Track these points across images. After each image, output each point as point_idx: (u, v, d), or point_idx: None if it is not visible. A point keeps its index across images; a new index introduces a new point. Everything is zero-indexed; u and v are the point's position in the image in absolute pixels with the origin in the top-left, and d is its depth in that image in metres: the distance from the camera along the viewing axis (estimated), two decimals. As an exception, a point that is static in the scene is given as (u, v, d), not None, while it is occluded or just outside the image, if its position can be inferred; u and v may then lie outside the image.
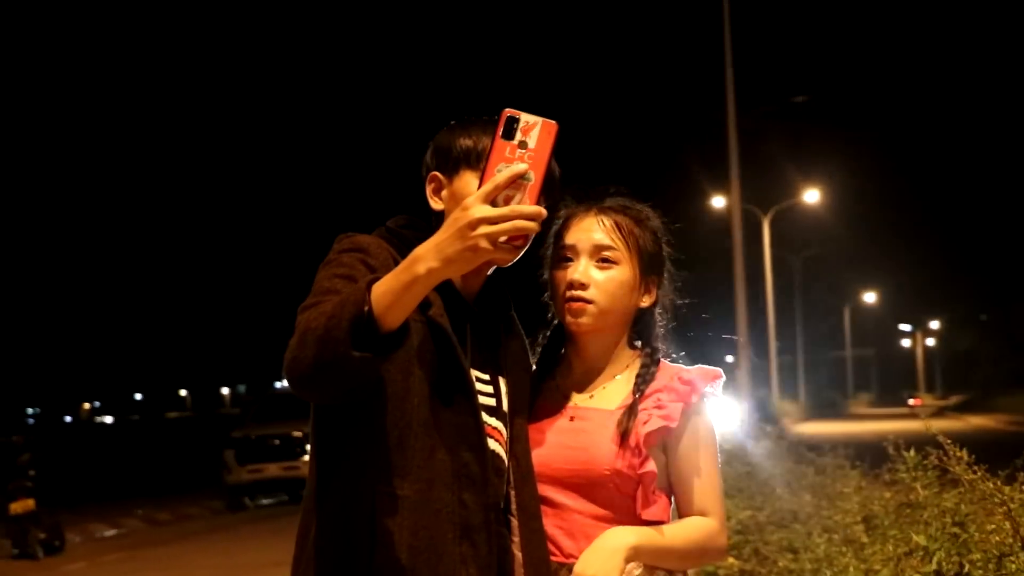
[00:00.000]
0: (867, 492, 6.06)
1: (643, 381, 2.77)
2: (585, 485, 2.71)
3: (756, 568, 6.32)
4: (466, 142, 2.65)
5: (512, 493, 2.70)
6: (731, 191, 24.77)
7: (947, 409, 71.22)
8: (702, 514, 2.74)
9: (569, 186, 2.91)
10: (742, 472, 9.03)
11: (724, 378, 2.83)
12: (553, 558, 2.69)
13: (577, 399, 2.83)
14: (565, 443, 2.74)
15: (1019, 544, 3.44)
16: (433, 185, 2.69)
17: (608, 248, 2.78)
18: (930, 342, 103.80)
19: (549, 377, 2.89)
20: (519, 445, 2.72)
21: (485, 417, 2.63)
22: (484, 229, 2.23)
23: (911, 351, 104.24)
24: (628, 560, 2.60)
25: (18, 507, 15.60)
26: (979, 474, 3.74)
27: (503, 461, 2.68)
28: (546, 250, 2.88)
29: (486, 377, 2.70)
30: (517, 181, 2.27)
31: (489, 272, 2.73)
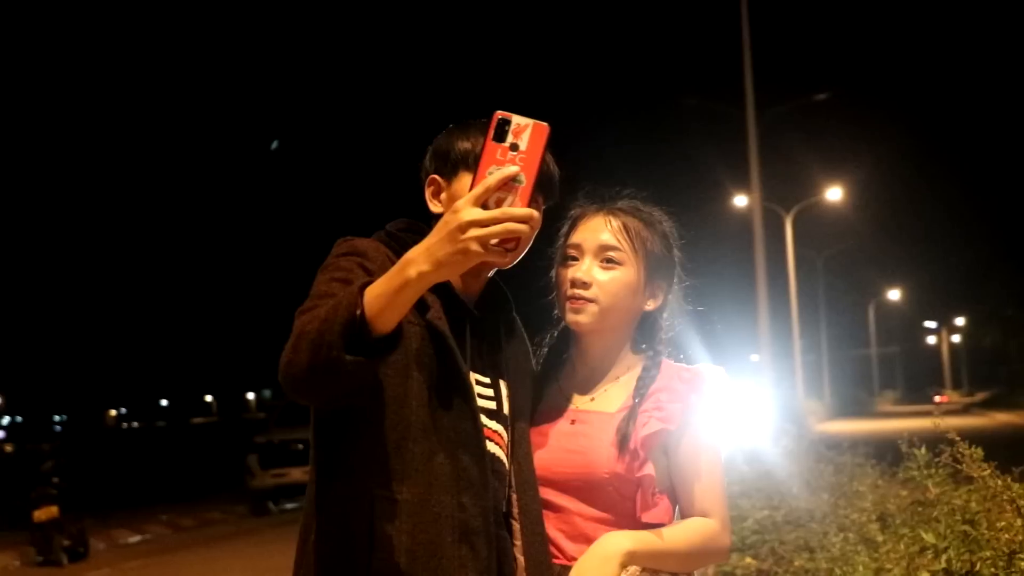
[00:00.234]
0: (883, 490, 6.05)
1: (643, 385, 2.76)
2: (585, 488, 2.70)
3: (772, 567, 6.30)
4: (464, 145, 2.64)
5: (514, 497, 2.70)
6: (752, 190, 24.72)
7: (973, 406, 70.90)
8: (703, 515, 2.72)
9: (583, 187, 2.93)
10: (762, 472, 9.01)
11: (727, 376, 2.82)
12: (555, 561, 2.68)
13: (578, 402, 2.82)
14: (565, 446, 2.74)
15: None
16: (432, 188, 2.69)
17: (613, 248, 2.78)
18: (956, 339, 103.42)
19: (553, 379, 2.89)
20: (520, 448, 2.72)
21: (485, 420, 2.63)
22: (474, 232, 2.22)
23: (937, 348, 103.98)
24: (624, 565, 2.59)
25: (42, 514, 15.65)
26: (988, 471, 3.71)
27: (504, 464, 2.68)
28: (555, 249, 2.88)
29: (487, 380, 2.70)
30: (508, 184, 2.27)
31: (489, 275, 2.73)
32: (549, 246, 2.89)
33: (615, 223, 2.81)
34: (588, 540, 2.65)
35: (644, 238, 2.81)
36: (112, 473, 30.58)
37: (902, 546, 4.11)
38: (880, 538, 4.95)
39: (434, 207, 2.68)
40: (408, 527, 2.48)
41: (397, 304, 2.29)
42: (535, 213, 2.28)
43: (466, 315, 2.66)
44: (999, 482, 3.64)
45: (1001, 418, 48.11)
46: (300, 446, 21.91)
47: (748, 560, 6.75)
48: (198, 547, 17.67)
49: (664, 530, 2.68)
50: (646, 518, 2.67)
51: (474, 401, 2.59)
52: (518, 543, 2.67)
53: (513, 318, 2.86)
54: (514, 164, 2.28)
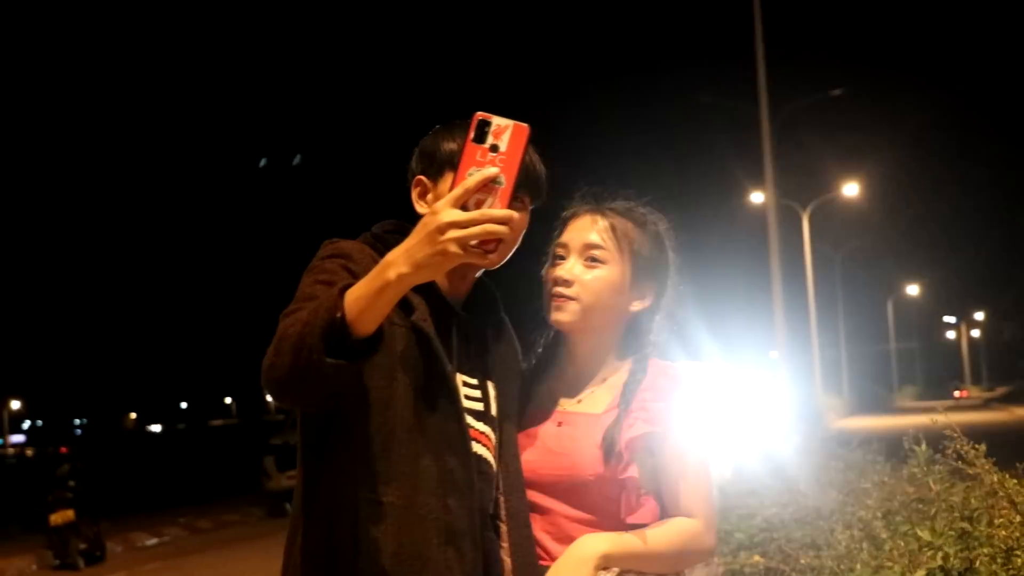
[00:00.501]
0: (891, 487, 6.01)
1: (630, 389, 2.75)
2: (570, 490, 2.70)
3: (779, 565, 6.27)
4: (451, 146, 2.64)
5: (501, 498, 2.69)
6: (766, 186, 24.67)
7: (993, 401, 70.72)
8: (687, 515, 2.70)
9: (580, 188, 2.93)
10: (773, 469, 8.97)
11: (711, 372, 2.81)
12: (542, 562, 2.67)
13: (565, 404, 2.82)
14: (550, 448, 2.74)
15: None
16: (419, 189, 2.69)
17: (597, 247, 2.78)
18: (975, 333, 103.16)
19: (541, 381, 2.89)
20: (508, 450, 2.72)
21: (473, 422, 2.63)
22: (453, 233, 2.22)
23: (956, 343, 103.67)
24: (599, 568, 2.58)
25: (58, 518, 15.72)
26: (986, 467, 3.70)
27: (491, 466, 2.67)
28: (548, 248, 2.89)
29: (474, 382, 2.69)
30: (488, 185, 2.26)
31: (477, 275, 2.73)
32: (548, 246, 2.90)
33: (602, 223, 2.81)
34: (573, 542, 2.65)
35: (631, 238, 2.80)
36: (130, 476, 30.67)
37: (902, 543, 4.09)
38: (884, 535, 4.92)
39: (420, 208, 2.67)
40: (393, 530, 2.48)
41: (377, 306, 2.29)
42: (515, 214, 2.28)
43: (452, 316, 2.66)
44: (994, 478, 3.62)
45: (1021, 412, 47.95)
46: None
47: (756, 558, 6.72)
48: (215, 549, 17.70)
49: (645, 531, 2.66)
50: (631, 520, 2.67)
51: (460, 403, 2.59)
52: (505, 545, 2.66)
53: (502, 319, 2.86)
54: (494, 165, 2.28)
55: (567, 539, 2.66)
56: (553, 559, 2.65)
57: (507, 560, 2.65)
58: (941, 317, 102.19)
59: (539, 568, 2.66)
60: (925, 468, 4.29)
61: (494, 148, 2.29)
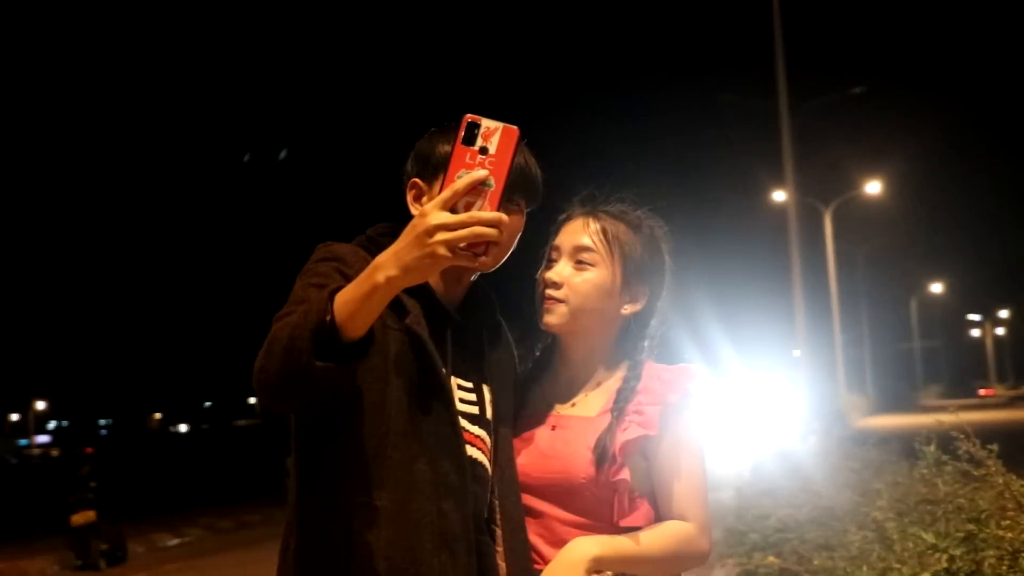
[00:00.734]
0: (905, 487, 5.99)
1: (623, 394, 2.74)
2: (563, 493, 2.69)
3: (793, 566, 6.27)
4: (446, 148, 2.61)
5: (496, 502, 2.68)
6: (787, 184, 24.60)
7: (1019, 399, 70.32)
8: (681, 518, 2.69)
9: (578, 192, 2.92)
10: (789, 469, 8.96)
11: (706, 375, 2.79)
12: (536, 567, 2.66)
13: (560, 408, 2.81)
14: (543, 451, 2.73)
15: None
16: (413, 192, 2.68)
17: (587, 250, 2.77)
18: (1000, 331, 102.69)
19: (537, 385, 2.88)
20: (503, 454, 2.70)
21: (468, 425, 2.62)
22: (442, 236, 2.21)
23: (981, 341, 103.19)
24: (590, 571, 2.57)
25: (79, 519, 15.77)
26: (994, 468, 3.68)
27: (486, 470, 2.65)
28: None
29: (469, 385, 2.68)
30: (478, 187, 2.25)
31: (472, 279, 2.72)
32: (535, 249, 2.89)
33: (594, 225, 2.80)
34: (565, 545, 2.63)
35: (623, 241, 2.79)
36: (153, 477, 30.72)
37: (911, 545, 4.07)
38: (895, 536, 4.90)
39: (415, 210, 2.66)
40: (387, 534, 2.46)
41: (367, 309, 2.27)
42: (504, 217, 2.26)
43: (447, 319, 2.65)
44: (1000, 480, 3.60)
45: (1046, 411, 47.64)
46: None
47: (771, 558, 6.74)
48: (236, 549, 17.71)
49: (638, 534, 2.65)
50: (624, 523, 2.66)
51: (454, 406, 2.58)
52: (500, 549, 2.65)
53: (498, 322, 2.85)
54: (483, 168, 2.26)
55: (560, 543, 2.64)
56: (547, 563, 2.64)
57: (502, 564, 2.64)
58: (966, 315, 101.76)
59: (533, 572, 2.64)
60: (934, 469, 4.27)
61: (483, 150, 2.28)
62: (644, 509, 2.69)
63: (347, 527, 2.48)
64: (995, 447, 3.94)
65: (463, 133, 2.29)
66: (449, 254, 2.22)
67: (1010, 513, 3.51)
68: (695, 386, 2.75)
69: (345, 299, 2.28)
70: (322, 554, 2.50)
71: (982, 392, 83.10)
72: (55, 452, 64.67)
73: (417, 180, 2.66)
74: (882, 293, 74.99)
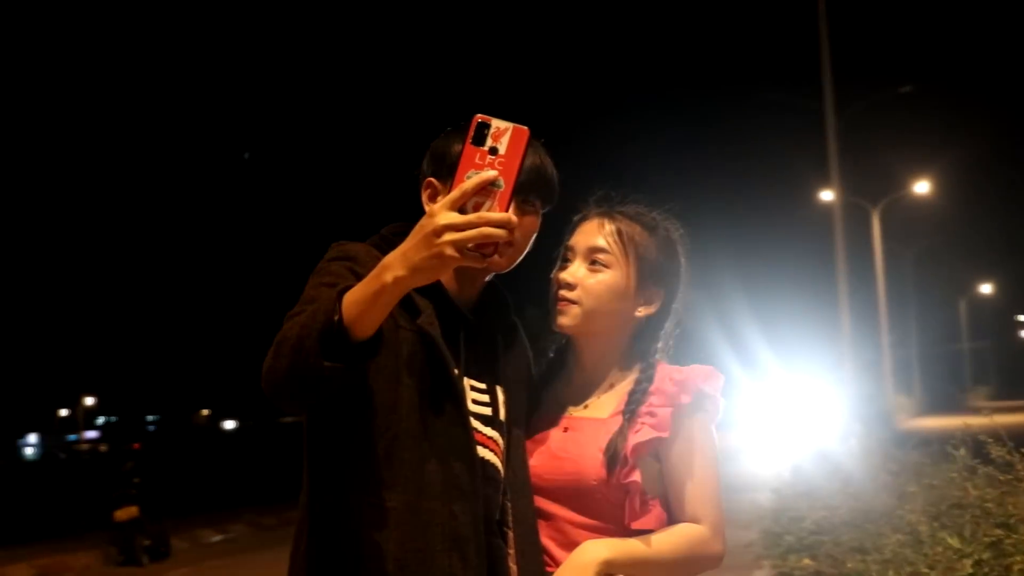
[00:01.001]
0: (940, 490, 5.94)
1: (635, 397, 2.72)
2: (575, 496, 2.67)
3: (827, 569, 6.24)
4: (461, 148, 2.61)
5: (508, 504, 2.67)
6: (832, 184, 24.48)
7: (1070, 401, 69.62)
8: (694, 521, 2.67)
9: (594, 192, 2.91)
10: (828, 472, 8.92)
11: (721, 376, 2.77)
12: (548, 569, 2.65)
13: (573, 409, 2.80)
14: (555, 453, 2.71)
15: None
16: (429, 191, 2.67)
17: (601, 251, 2.76)
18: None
19: (551, 386, 2.87)
20: (515, 455, 2.69)
21: (480, 426, 2.61)
22: (450, 236, 2.20)
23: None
24: (601, 575, 2.55)
25: (122, 514, 15.84)
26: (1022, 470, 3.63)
27: (498, 471, 2.64)
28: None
29: (482, 386, 2.67)
30: (487, 188, 2.24)
31: (487, 279, 2.71)
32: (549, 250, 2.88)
33: (609, 226, 2.79)
34: (576, 548, 2.62)
35: (638, 243, 2.77)
36: (198, 473, 30.87)
37: (940, 549, 4.04)
38: (927, 540, 4.86)
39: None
40: (397, 535, 2.46)
41: (375, 309, 2.26)
42: (513, 217, 2.25)
43: (460, 320, 2.64)
44: (1025, 485, 3.56)
45: (1096, 413, 47.17)
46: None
47: (806, 561, 6.71)
48: (279, 546, 17.63)
49: (650, 537, 2.63)
50: (636, 525, 2.64)
51: (465, 407, 2.56)
52: (512, 552, 2.63)
53: (513, 323, 2.84)
54: (492, 168, 2.26)
55: (572, 545, 2.64)
56: (559, 565, 2.63)
57: (513, 567, 2.62)
58: (1015, 316, 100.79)
59: (545, 575, 2.63)
60: (965, 473, 4.22)
61: (493, 151, 2.27)
62: (656, 511, 2.68)
63: (357, 528, 2.47)
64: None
65: (473, 133, 2.28)
66: (457, 255, 2.21)
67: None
68: (708, 387, 2.73)
69: (353, 299, 2.27)
70: (332, 555, 2.50)
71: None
72: (103, 448, 65.13)
73: (432, 179, 2.66)
74: (930, 293, 74.45)
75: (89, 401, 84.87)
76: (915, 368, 58.12)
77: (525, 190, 2.59)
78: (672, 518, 2.70)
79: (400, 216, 2.75)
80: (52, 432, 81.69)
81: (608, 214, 2.82)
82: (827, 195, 31.83)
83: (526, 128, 2.29)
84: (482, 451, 2.59)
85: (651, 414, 2.66)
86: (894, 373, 41.35)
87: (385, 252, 2.53)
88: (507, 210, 2.24)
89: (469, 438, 2.55)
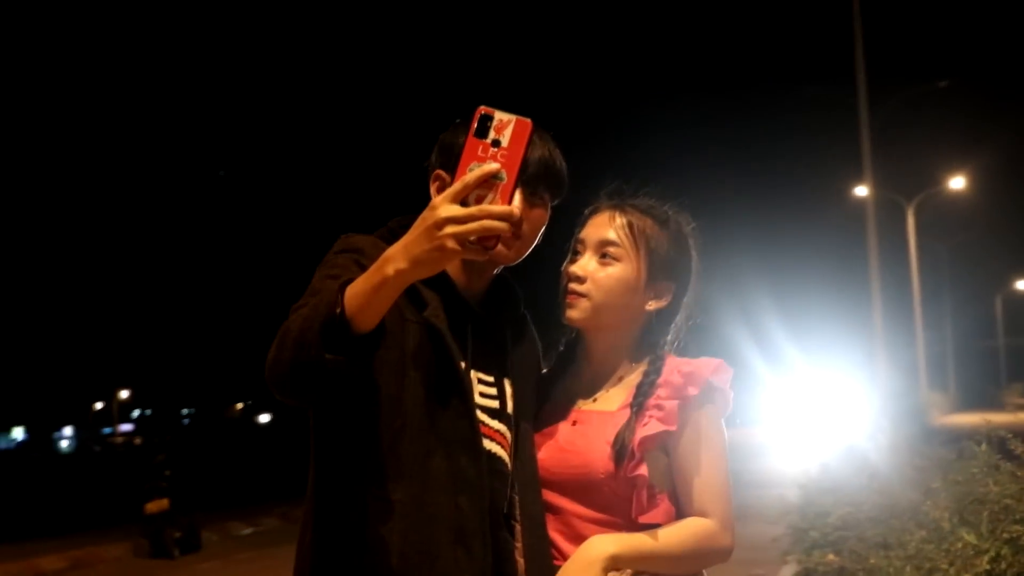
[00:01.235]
0: (964, 487, 5.90)
1: (642, 393, 2.70)
2: (582, 489, 2.66)
3: (851, 564, 6.22)
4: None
5: (516, 498, 2.65)
6: (865, 179, 24.38)
7: (1107, 398, 69.13)
8: (702, 514, 2.65)
9: (607, 184, 2.89)
10: (855, 467, 8.88)
11: (730, 369, 2.74)
12: (555, 563, 2.63)
13: (582, 403, 2.79)
14: (563, 446, 2.70)
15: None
16: (437, 184, 2.65)
17: (612, 244, 2.74)
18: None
19: (560, 379, 2.85)
20: (523, 449, 2.68)
21: (487, 420, 2.59)
22: (451, 229, 2.18)
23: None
24: (607, 570, 2.54)
25: (153, 507, 15.92)
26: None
27: (505, 464, 2.62)
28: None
29: (490, 379, 2.65)
30: (489, 180, 2.23)
31: (496, 272, 2.70)
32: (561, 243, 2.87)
33: (620, 220, 2.77)
34: (583, 543, 2.61)
35: (648, 236, 2.76)
36: (230, 466, 30.98)
37: (960, 545, 4.01)
38: (948, 536, 4.84)
39: None
40: (401, 528, 2.45)
41: (377, 302, 2.25)
42: (515, 210, 2.23)
43: (468, 313, 2.62)
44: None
45: None
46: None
47: (831, 556, 6.69)
48: (308, 540, 17.73)
49: (657, 531, 2.62)
50: (643, 519, 2.62)
51: (472, 400, 2.55)
52: (519, 545, 2.62)
53: (522, 316, 2.83)
54: (495, 160, 2.24)
55: (580, 539, 2.62)
56: (566, 559, 2.61)
57: (520, 560, 2.61)
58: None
59: (553, 568, 2.62)
60: (985, 469, 4.19)
61: (496, 143, 2.25)
62: (664, 506, 2.66)
63: (362, 521, 2.46)
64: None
65: (476, 125, 2.27)
66: (458, 247, 2.19)
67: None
68: (716, 380, 2.71)
69: (355, 291, 2.26)
70: (338, 547, 2.50)
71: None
72: (138, 440, 65.45)
73: (441, 172, 2.64)
74: (966, 289, 74.02)
75: (124, 394, 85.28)
76: (950, 365, 57.78)
77: (533, 183, 2.58)
78: (681, 512, 2.68)
79: (408, 210, 2.75)
80: (87, 425, 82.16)
81: (619, 207, 2.81)
82: (861, 190, 31.75)
83: (529, 120, 2.27)
84: (489, 444, 2.57)
85: (659, 407, 2.65)
86: (928, 369, 41.17)
87: (391, 244, 2.53)
88: (509, 203, 2.22)
89: (475, 431, 2.53)
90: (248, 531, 19.65)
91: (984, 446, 4.28)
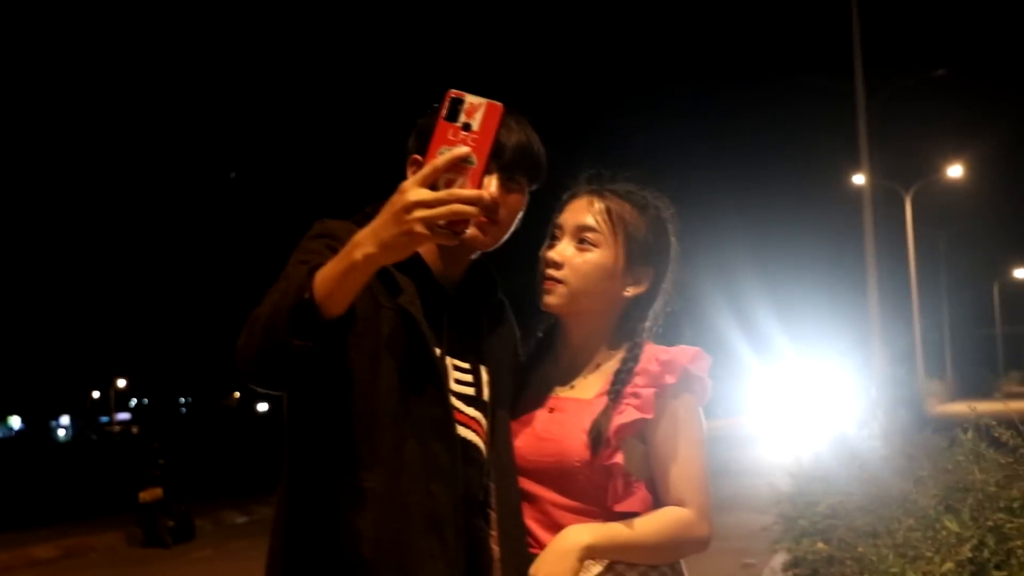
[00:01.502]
0: (953, 475, 5.89)
1: (620, 377, 2.68)
2: (558, 477, 2.64)
3: (839, 553, 6.21)
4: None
5: (492, 485, 2.63)
6: (862, 167, 24.37)
7: (1104, 386, 69.22)
8: (679, 503, 2.63)
9: (584, 169, 2.87)
10: (846, 457, 8.87)
11: (708, 357, 2.72)
12: (532, 551, 2.61)
13: (559, 390, 2.76)
14: (539, 434, 2.68)
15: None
16: (413, 168, 2.62)
17: (589, 230, 2.71)
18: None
19: (538, 367, 2.83)
20: (500, 436, 2.65)
21: (462, 407, 2.57)
22: (419, 213, 2.16)
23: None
24: (583, 560, 2.52)
25: (147, 495, 15.91)
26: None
27: (480, 452, 2.60)
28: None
29: (466, 366, 2.63)
30: (459, 164, 2.20)
31: (473, 257, 2.67)
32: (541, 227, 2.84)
33: (598, 205, 2.74)
34: (562, 530, 2.58)
35: (627, 221, 2.73)
36: (225, 455, 30.96)
37: (944, 533, 3.99)
38: (936, 525, 4.83)
39: None
40: (374, 516, 2.43)
41: (345, 287, 2.23)
42: (484, 194, 2.21)
43: (443, 298, 2.60)
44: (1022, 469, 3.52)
45: None
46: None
47: (820, 545, 6.69)
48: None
49: (634, 520, 2.59)
50: (619, 508, 2.60)
51: (446, 387, 2.53)
52: (494, 533, 2.60)
53: (500, 302, 2.80)
54: (465, 144, 2.22)
55: (556, 527, 2.60)
56: (542, 547, 2.59)
57: (496, 548, 2.59)
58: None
59: (528, 556, 2.59)
60: (971, 457, 4.18)
61: (466, 127, 2.23)
62: (641, 494, 2.64)
63: (335, 509, 2.45)
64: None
65: (446, 109, 2.24)
66: (427, 231, 2.17)
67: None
68: (694, 368, 2.68)
69: (325, 276, 2.24)
70: (311, 535, 2.48)
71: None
72: (135, 429, 65.55)
73: (418, 156, 2.61)
74: (963, 278, 74.15)
75: (121, 383, 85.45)
76: (947, 353, 57.84)
77: (510, 168, 2.56)
78: (658, 501, 2.65)
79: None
80: (84, 414, 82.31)
81: (598, 192, 2.78)
82: (858, 179, 31.74)
83: (500, 104, 2.25)
84: (464, 432, 2.55)
85: (636, 395, 2.62)
86: (925, 358, 41.22)
87: None
88: (480, 187, 2.20)
89: (449, 418, 2.51)
90: (242, 520, 19.64)
91: (970, 434, 4.26)
